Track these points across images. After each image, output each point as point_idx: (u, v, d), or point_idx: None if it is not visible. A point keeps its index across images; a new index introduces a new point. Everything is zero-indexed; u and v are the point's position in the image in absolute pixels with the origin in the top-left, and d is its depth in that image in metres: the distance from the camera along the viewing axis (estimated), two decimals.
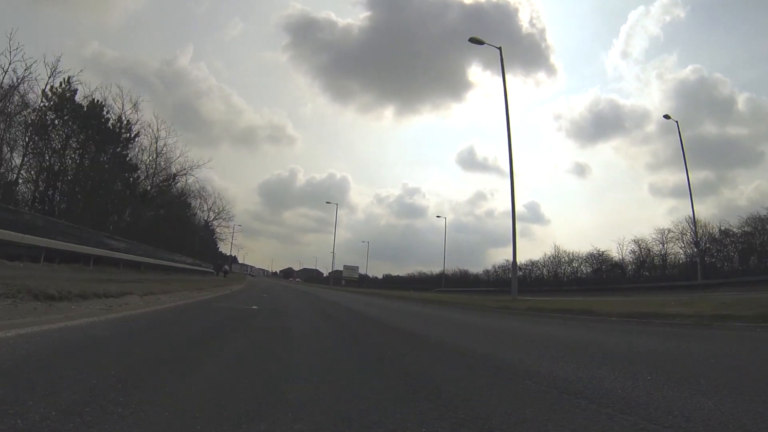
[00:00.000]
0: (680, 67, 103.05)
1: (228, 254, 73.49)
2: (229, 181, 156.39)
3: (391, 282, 73.82)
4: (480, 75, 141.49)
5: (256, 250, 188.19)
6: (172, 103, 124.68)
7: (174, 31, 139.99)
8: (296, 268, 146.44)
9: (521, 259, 46.26)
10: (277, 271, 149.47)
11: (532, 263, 45.49)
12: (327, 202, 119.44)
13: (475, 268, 61.22)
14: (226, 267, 56.54)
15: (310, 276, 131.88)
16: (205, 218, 51.11)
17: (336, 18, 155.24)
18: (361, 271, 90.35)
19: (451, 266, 61.55)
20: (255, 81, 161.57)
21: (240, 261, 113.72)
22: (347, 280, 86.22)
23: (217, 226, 53.18)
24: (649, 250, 37.16)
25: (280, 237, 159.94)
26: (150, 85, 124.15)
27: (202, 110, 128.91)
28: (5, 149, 20.07)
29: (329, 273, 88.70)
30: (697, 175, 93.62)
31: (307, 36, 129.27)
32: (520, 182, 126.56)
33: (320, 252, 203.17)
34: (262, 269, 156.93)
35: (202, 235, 51.17)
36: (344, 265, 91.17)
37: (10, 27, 27.85)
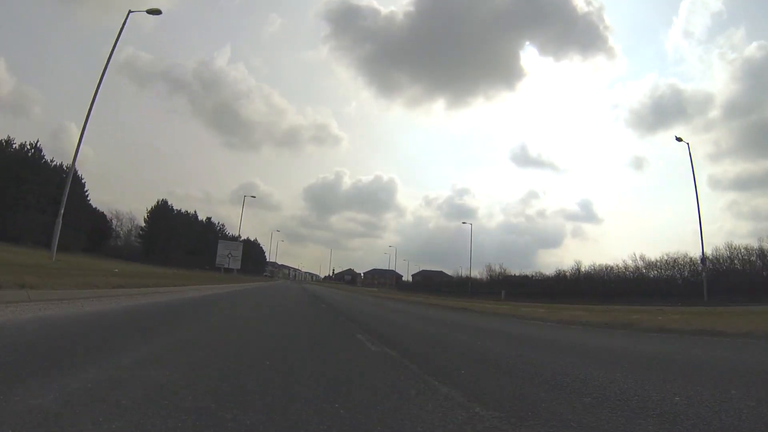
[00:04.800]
0: (745, 45, 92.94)
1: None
2: (273, 186, 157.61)
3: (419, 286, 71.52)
4: (534, 61, 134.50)
5: (306, 255, 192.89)
6: (212, 105, 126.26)
7: (210, 31, 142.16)
8: (359, 269, 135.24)
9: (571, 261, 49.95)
10: (331, 275, 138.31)
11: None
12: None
13: (525, 271, 56.64)
14: None
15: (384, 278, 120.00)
16: None
17: (378, 5, 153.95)
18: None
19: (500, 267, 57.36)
20: (296, 78, 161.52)
21: (271, 259, 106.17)
22: None
23: None
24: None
25: (327, 242, 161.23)
26: (188, 88, 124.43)
27: (242, 112, 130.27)
28: None
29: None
30: (760, 165, 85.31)
31: (349, 25, 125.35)
32: (572, 179, 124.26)
33: (367, 257, 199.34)
34: (310, 273, 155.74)
35: None
36: None
37: None
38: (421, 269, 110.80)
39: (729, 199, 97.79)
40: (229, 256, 49.68)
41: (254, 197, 51.99)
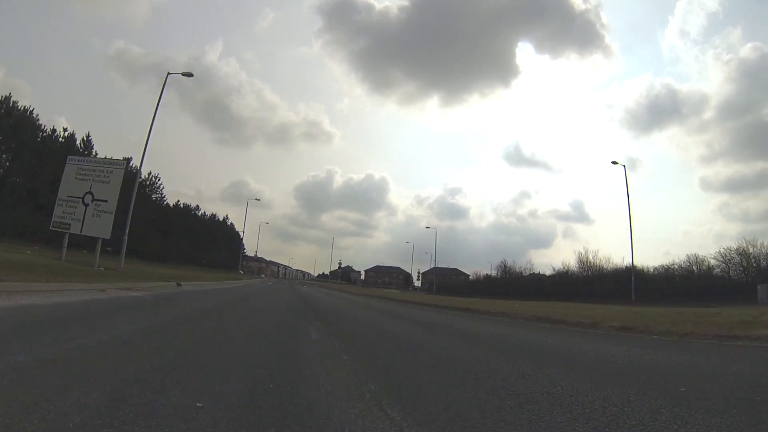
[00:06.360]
0: (740, 45, 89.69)
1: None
2: (264, 183, 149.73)
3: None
4: (530, 58, 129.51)
5: (297, 253, 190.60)
6: (202, 100, 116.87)
7: (202, 25, 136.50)
8: (357, 267, 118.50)
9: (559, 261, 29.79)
10: (326, 273, 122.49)
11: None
12: None
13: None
14: None
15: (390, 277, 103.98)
16: None
17: None
18: None
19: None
20: (289, 74, 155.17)
21: (252, 253, 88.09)
22: None
23: None
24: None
25: (319, 241, 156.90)
26: (178, 82, 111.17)
27: (233, 107, 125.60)
28: None
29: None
30: (752, 167, 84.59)
31: (343, 19, 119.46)
32: (565, 179, 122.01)
33: (358, 255, 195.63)
34: (302, 271, 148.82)
35: None
36: None
37: None
38: (433, 266, 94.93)
39: (720, 201, 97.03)
40: (86, 200, 17.74)
41: (192, 75, 23.85)
